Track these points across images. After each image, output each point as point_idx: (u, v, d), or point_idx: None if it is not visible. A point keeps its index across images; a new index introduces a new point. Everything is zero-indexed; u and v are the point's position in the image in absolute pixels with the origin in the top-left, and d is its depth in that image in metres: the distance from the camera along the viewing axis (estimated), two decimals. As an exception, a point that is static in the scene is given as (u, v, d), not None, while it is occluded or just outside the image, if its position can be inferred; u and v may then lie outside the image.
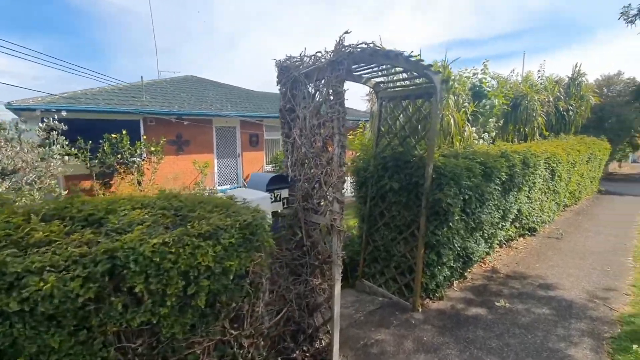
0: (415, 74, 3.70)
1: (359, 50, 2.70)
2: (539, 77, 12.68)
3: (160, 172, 9.38)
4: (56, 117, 6.46)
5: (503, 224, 5.33)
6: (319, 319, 3.01)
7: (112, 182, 8.46)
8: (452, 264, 4.17)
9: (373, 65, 3.43)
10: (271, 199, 2.74)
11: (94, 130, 8.33)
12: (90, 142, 8.04)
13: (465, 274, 4.73)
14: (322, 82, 2.79)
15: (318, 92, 2.89)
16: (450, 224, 3.81)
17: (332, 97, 2.68)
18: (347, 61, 2.59)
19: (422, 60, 3.29)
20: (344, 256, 2.74)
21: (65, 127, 5.55)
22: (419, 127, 4.13)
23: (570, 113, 12.40)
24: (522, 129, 10.32)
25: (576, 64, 13.01)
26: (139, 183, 8.73)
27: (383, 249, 4.19)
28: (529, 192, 5.95)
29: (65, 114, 7.80)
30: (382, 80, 4.33)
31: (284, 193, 2.92)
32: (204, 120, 10.70)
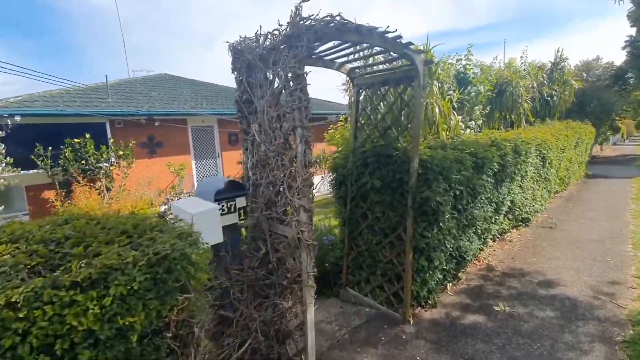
0: (394, 54, 3.24)
1: (322, 24, 2.21)
2: (521, 63, 12.43)
3: (133, 177, 8.77)
4: (9, 123, 5.77)
5: (496, 217, 4.96)
6: (292, 347, 2.54)
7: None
8: (444, 267, 3.76)
9: (345, 46, 2.94)
10: (222, 210, 2.24)
11: (56, 135, 7.65)
12: (50, 148, 7.36)
13: (459, 274, 4.34)
14: (280, 64, 2.30)
15: (277, 78, 2.40)
16: (441, 224, 3.39)
17: (291, 83, 2.19)
18: (306, 36, 2.10)
19: (401, 37, 2.82)
20: (315, 274, 2.27)
21: (2, 133, 4.88)
22: (402, 117, 3.68)
23: (555, 98, 12.23)
24: (508, 116, 10.03)
25: (558, 49, 12.82)
26: (108, 190, 8.10)
27: (367, 254, 3.74)
28: (521, 182, 5.60)
29: (20, 119, 7.10)
30: (359, 65, 3.86)
31: (240, 202, 2.41)
32: (177, 120, 10.04)
